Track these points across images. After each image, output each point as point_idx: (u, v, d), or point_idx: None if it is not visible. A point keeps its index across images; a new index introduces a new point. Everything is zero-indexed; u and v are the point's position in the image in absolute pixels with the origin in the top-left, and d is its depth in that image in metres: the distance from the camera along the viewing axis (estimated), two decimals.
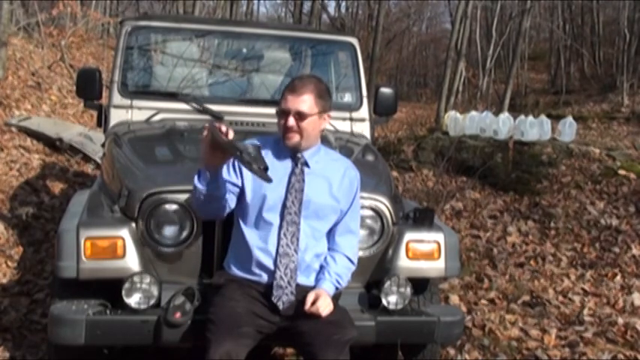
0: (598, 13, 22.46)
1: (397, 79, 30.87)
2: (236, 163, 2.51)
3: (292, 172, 2.53)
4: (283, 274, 2.45)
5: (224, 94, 4.17)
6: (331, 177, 2.59)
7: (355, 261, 2.66)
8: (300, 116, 2.48)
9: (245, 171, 2.50)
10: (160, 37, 4.35)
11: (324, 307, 2.42)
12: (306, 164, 2.55)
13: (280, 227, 2.47)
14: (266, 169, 2.27)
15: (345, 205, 2.60)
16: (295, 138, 2.50)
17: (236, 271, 2.53)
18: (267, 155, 2.53)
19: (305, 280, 2.53)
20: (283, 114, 2.50)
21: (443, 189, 7.54)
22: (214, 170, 2.38)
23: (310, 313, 2.40)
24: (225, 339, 2.30)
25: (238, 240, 2.56)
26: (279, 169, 2.52)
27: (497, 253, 5.56)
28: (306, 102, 2.49)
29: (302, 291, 2.48)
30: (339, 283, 2.56)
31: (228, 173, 2.53)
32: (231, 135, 2.29)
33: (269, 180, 2.29)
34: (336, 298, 2.60)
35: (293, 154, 2.55)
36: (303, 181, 2.51)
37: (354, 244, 2.66)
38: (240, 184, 2.53)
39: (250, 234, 2.51)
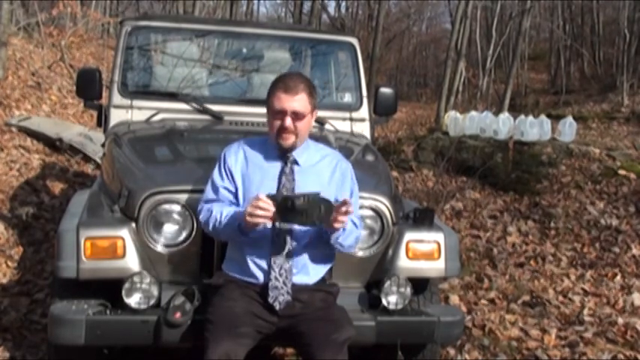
0: (598, 13, 22.46)
1: (397, 79, 30.86)
2: (227, 169, 2.55)
3: (282, 172, 2.52)
4: (278, 275, 2.45)
5: (224, 94, 4.17)
6: (322, 172, 2.57)
7: (359, 227, 2.60)
8: (297, 116, 2.47)
9: (236, 174, 2.54)
10: (160, 37, 4.35)
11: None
12: (295, 162, 2.54)
13: (273, 228, 2.46)
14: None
15: (341, 198, 2.56)
16: (291, 139, 2.49)
17: (233, 273, 2.53)
18: (256, 156, 2.55)
19: (302, 278, 2.51)
20: (278, 114, 2.47)
21: (443, 189, 7.54)
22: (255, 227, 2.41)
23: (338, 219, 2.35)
24: (224, 339, 2.30)
25: (234, 242, 2.56)
26: (269, 169, 2.52)
27: (497, 253, 5.56)
28: (301, 101, 2.47)
29: (299, 290, 2.48)
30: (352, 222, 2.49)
31: (221, 179, 2.54)
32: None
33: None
34: (334, 297, 2.61)
35: (282, 153, 2.54)
36: (294, 180, 2.51)
37: (357, 221, 2.60)
38: (233, 188, 2.53)
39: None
